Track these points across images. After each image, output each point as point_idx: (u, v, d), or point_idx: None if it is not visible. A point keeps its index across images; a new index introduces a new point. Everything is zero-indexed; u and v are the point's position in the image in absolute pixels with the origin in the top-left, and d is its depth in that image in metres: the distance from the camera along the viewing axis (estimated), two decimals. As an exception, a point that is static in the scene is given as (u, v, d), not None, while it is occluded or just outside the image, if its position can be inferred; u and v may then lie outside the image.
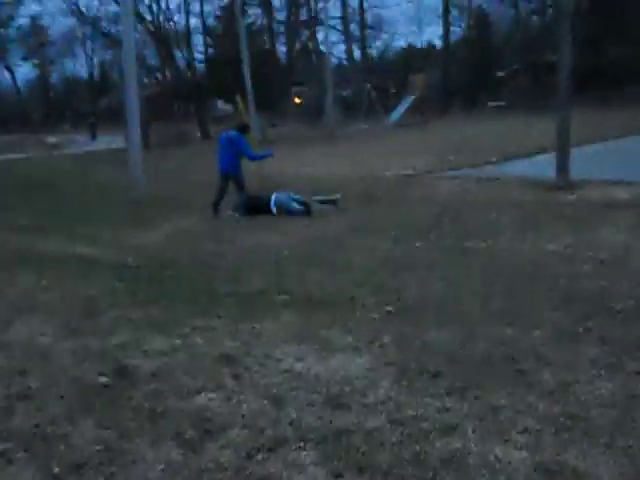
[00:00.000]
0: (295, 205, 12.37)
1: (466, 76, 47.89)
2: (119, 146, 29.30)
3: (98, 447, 3.57)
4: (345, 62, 52.58)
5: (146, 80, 44.50)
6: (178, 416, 3.92)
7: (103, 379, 4.37)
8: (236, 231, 10.97)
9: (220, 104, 54.23)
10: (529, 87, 43.06)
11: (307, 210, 12.27)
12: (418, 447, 3.63)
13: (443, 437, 3.74)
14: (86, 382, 4.32)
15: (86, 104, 68.76)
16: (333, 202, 12.71)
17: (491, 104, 44.00)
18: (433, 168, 17.89)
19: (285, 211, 12.21)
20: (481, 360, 4.90)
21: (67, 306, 6.04)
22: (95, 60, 71.39)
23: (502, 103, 43.40)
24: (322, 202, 12.63)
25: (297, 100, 47.12)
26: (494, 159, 19.02)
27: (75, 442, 3.61)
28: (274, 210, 12.25)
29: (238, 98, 16.71)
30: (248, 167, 13.68)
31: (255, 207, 12.45)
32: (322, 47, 48.30)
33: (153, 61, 45.48)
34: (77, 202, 14.81)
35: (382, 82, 46.38)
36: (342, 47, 51.65)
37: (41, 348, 4.95)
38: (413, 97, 39.13)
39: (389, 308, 6.26)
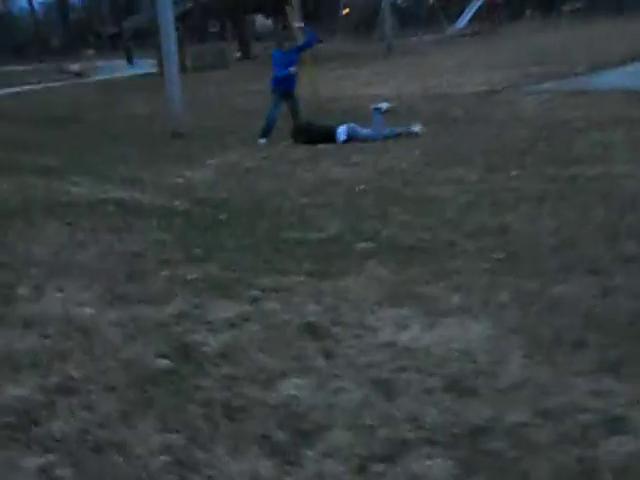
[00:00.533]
0: (367, 131, 11.70)
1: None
2: (149, 71, 28.73)
3: (164, 458, 3.02)
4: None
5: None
6: (261, 411, 3.34)
7: (162, 362, 3.81)
8: (295, 164, 10.34)
9: (260, 20, 53.11)
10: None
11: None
12: (580, 450, 3.01)
13: (610, 435, 3.12)
14: (141, 367, 3.76)
15: (110, 26, 68.11)
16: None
17: (566, 8, 42.60)
18: (514, 82, 17.01)
19: (357, 137, 11.55)
20: (630, 322, 4.24)
21: (108, 266, 5.48)
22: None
23: (579, 6, 41.98)
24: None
25: (346, 11, 45.84)
26: (582, 70, 18.07)
27: (134, 451, 3.07)
28: (340, 138, 11.55)
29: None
30: (302, 91, 13.03)
31: (315, 135, 11.81)
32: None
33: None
34: (110, 137, 14.27)
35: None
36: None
37: (82, 322, 4.38)
38: (481, 1, 37.82)
39: (498, 255, 5.61)
